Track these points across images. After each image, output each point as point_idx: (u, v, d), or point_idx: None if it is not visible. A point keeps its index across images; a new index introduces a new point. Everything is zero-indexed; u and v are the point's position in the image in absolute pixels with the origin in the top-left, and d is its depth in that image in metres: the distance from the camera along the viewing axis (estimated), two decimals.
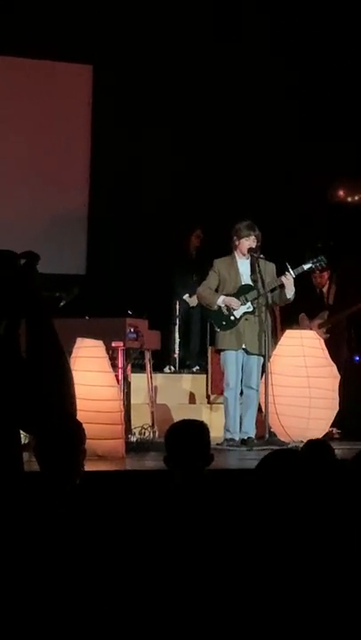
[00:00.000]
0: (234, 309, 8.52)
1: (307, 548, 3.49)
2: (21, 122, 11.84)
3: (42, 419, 3.42)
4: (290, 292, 8.51)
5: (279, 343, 8.66)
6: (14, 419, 3.55)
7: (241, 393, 8.60)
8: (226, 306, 8.55)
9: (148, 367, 9.02)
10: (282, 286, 8.52)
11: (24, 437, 4.07)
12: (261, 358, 8.46)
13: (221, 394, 9.09)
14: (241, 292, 8.57)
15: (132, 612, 3.60)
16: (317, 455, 4.76)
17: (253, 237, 8.56)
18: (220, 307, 8.58)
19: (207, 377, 10.50)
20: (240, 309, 8.51)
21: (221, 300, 8.56)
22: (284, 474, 3.56)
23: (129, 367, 8.64)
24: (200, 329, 11.07)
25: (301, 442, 7.62)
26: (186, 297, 11.09)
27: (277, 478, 3.55)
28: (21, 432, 3.98)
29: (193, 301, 10.98)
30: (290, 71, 11.81)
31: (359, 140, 11.73)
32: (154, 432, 8.66)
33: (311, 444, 5.05)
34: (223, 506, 3.91)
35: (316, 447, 4.95)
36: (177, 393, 10.48)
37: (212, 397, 10.35)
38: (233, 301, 8.54)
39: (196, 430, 4.14)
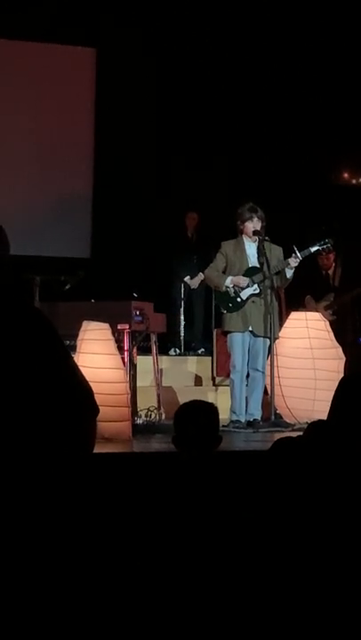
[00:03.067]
0: (243, 288, 8.51)
1: (310, 530, 3.50)
2: (26, 105, 11.85)
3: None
4: (289, 271, 8.53)
5: (284, 325, 8.66)
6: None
7: (247, 375, 8.61)
8: (233, 287, 8.54)
9: (154, 350, 9.02)
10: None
11: None
12: (268, 340, 8.46)
13: (227, 376, 9.09)
14: (247, 274, 8.56)
15: (138, 594, 3.61)
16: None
17: (257, 219, 8.55)
18: (227, 288, 8.58)
19: (212, 359, 10.50)
20: (246, 291, 8.51)
21: (229, 281, 8.56)
22: (293, 462, 3.57)
23: (135, 350, 8.63)
24: (204, 311, 11.07)
25: (307, 423, 7.64)
26: (187, 279, 11.09)
27: (286, 465, 3.55)
28: None
29: (194, 283, 10.99)
30: (293, 50, 11.79)
31: None
32: (160, 414, 8.67)
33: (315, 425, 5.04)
34: (230, 487, 3.92)
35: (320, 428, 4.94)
36: (183, 375, 10.49)
37: (217, 379, 10.36)
38: (241, 279, 8.53)
39: (206, 411, 4.15)
